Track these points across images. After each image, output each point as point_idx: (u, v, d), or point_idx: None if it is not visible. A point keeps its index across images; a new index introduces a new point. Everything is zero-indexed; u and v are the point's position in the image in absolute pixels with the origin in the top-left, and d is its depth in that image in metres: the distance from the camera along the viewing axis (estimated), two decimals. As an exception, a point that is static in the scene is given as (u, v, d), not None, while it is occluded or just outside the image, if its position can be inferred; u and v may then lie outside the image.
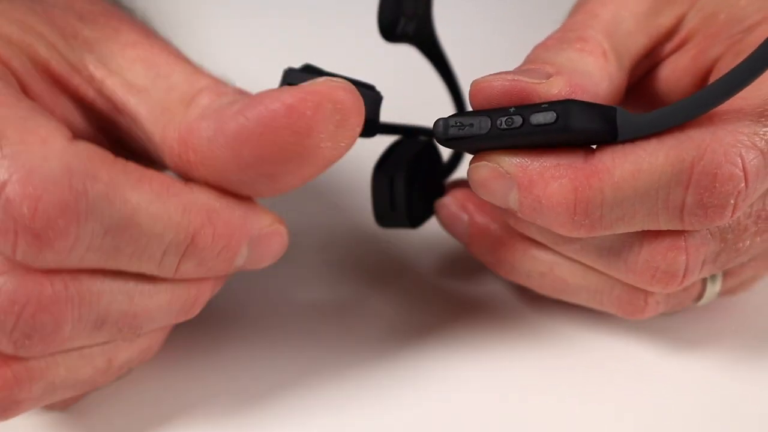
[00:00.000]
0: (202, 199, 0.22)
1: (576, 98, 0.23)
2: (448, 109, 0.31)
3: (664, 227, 0.23)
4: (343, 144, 0.22)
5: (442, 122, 0.24)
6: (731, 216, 0.23)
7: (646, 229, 0.24)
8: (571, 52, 0.25)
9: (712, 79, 0.25)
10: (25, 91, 0.23)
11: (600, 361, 0.28)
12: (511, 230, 0.27)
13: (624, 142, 0.23)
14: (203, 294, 0.24)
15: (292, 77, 0.25)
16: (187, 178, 0.23)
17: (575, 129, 0.22)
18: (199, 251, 0.22)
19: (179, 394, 0.27)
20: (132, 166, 0.21)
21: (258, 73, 0.30)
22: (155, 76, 0.24)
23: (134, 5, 0.29)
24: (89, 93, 0.24)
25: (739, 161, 0.22)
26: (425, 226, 0.30)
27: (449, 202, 0.29)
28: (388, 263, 0.33)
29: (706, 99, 0.22)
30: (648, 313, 0.26)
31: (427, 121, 0.26)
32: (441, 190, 0.30)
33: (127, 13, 0.27)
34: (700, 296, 0.27)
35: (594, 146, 0.23)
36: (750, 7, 0.26)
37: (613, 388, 0.28)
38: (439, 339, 0.29)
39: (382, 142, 0.29)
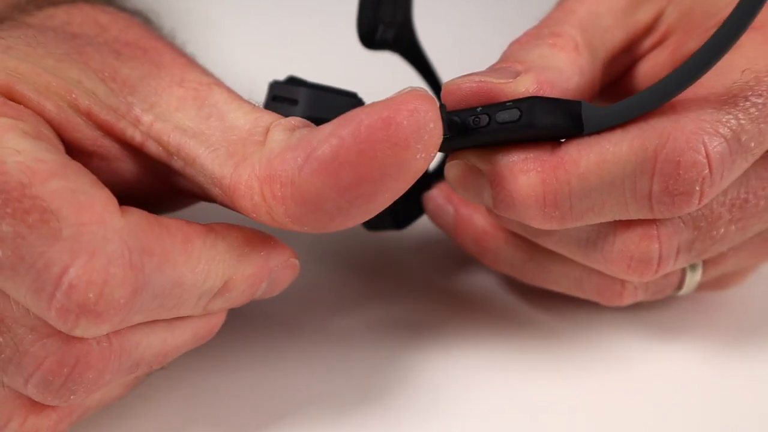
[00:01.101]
0: (234, 244, 0.23)
1: (543, 95, 0.23)
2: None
3: (635, 217, 0.24)
4: (432, 153, 0.21)
5: None
6: (699, 203, 0.23)
7: (617, 219, 0.24)
8: (543, 48, 0.25)
9: None
10: (67, 137, 0.23)
11: (591, 353, 0.29)
12: (494, 221, 0.28)
13: (590, 134, 0.23)
14: (221, 321, 0.25)
15: (278, 90, 0.26)
16: (270, 219, 0.22)
17: (539, 125, 0.23)
18: (228, 292, 0.23)
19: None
20: (174, 227, 0.22)
21: (256, 74, 0.30)
22: (208, 117, 0.23)
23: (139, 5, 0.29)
24: (137, 136, 0.24)
25: (702, 148, 0.22)
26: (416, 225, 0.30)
27: (436, 194, 0.30)
28: (378, 259, 0.33)
29: (667, 88, 0.22)
30: (626, 299, 0.27)
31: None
32: (423, 189, 0.30)
33: (162, 37, 0.27)
34: (680, 285, 0.28)
35: (562, 140, 0.24)
36: (722, 1, 0.26)
37: (603, 378, 0.28)
38: (430, 333, 0.30)
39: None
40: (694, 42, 0.26)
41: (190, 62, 0.25)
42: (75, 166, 0.21)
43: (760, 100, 0.23)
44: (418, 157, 0.21)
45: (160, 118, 0.23)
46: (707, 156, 0.22)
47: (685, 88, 0.22)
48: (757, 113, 0.23)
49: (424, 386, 0.28)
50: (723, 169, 0.22)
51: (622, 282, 0.27)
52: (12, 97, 0.22)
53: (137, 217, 0.21)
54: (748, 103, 0.23)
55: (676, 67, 0.22)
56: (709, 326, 0.30)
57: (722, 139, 0.22)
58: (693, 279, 0.27)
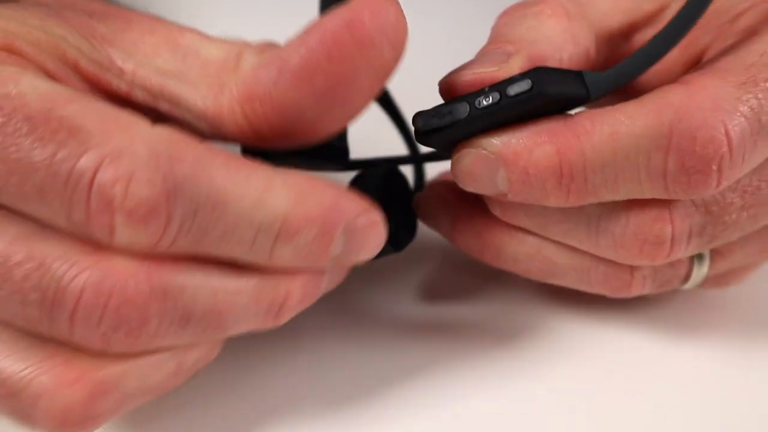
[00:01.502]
0: (291, 180, 0.22)
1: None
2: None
3: (649, 196, 0.23)
4: (400, 47, 0.22)
5: (421, 115, 0.24)
6: (717, 185, 0.22)
7: (632, 197, 0.24)
8: (529, 19, 0.25)
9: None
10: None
11: (595, 356, 0.29)
12: (495, 216, 0.27)
13: (598, 99, 0.23)
14: (292, 295, 0.23)
15: None
16: (258, 138, 0.23)
17: (551, 92, 0.22)
18: (292, 234, 0.22)
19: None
20: (218, 150, 0.21)
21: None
22: (185, 56, 0.24)
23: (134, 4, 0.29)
24: (122, 87, 0.24)
25: (721, 125, 0.21)
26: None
27: (429, 195, 0.29)
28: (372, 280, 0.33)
29: (662, 42, 0.23)
30: (635, 289, 0.27)
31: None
32: (413, 211, 0.30)
33: (128, 8, 0.27)
34: (687, 277, 0.27)
35: (572, 113, 0.24)
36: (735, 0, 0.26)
37: (603, 378, 0.28)
38: (432, 332, 0.30)
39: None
40: (707, 37, 0.26)
41: (158, 18, 0.26)
42: (92, 97, 0.22)
43: None
44: (385, 53, 0.22)
45: (140, 65, 0.24)
46: (726, 134, 0.21)
47: (681, 40, 0.22)
48: None
49: (427, 383, 0.27)
50: (744, 150, 0.22)
51: (631, 271, 0.26)
52: (13, 53, 0.22)
53: (170, 129, 0.21)
54: (767, 83, 0.22)
55: (669, 22, 0.22)
56: (710, 326, 0.30)
57: (742, 118, 0.22)
58: (700, 271, 0.27)
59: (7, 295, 0.21)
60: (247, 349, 0.29)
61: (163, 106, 0.24)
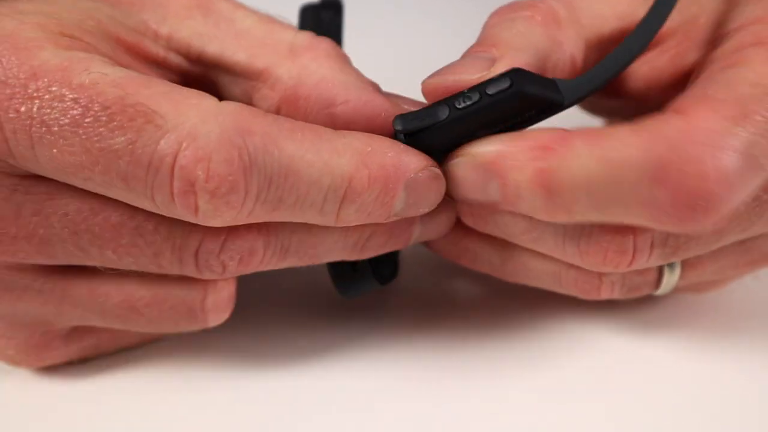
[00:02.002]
0: (354, 143, 0.23)
1: None
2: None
3: (637, 223, 0.23)
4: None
5: (400, 117, 0.24)
6: (708, 221, 0.22)
7: (618, 221, 0.24)
8: (519, 24, 0.25)
9: (690, 84, 0.25)
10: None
11: (568, 350, 0.29)
12: (471, 224, 0.28)
13: (572, 105, 0.24)
14: (378, 235, 0.26)
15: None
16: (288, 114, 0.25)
17: (529, 91, 0.23)
18: (358, 195, 0.23)
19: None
20: (282, 119, 0.23)
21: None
22: (217, 21, 0.25)
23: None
24: (160, 53, 0.25)
25: (715, 161, 0.21)
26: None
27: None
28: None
29: (631, 47, 0.23)
30: (604, 293, 0.27)
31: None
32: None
33: None
34: (657, 284, 0.28)
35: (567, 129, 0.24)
36: (731, 12, 0.26)
37: (580, 375, 0.28)
38: (412, 335, 0.30)
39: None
40: (695, 52, 0.26)
41: None
42: (156, 78, 0.23)
43: None
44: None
45: (175, 29, 0.25)
46: (720, 169, 0.21)
47: (649, 42, 0.23)
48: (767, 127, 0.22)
49: (408, 386, 0.28)
50: (736, 185, 0.21)
51: (600, 276, 0.27)
52: (74, 39, 0.23)
53: (236, 104, 0.22)
54: (758, 117, 0.22)
55: (636, 26, 0.23)
56: (688, 324, 0.30)
57: (736, 153, 0.21)
58: (671, 279, 0.27)
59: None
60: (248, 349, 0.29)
61: (196, 70, 0.26)
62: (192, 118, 0.21)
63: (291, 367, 0.28)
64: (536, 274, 0.28)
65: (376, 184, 0.23)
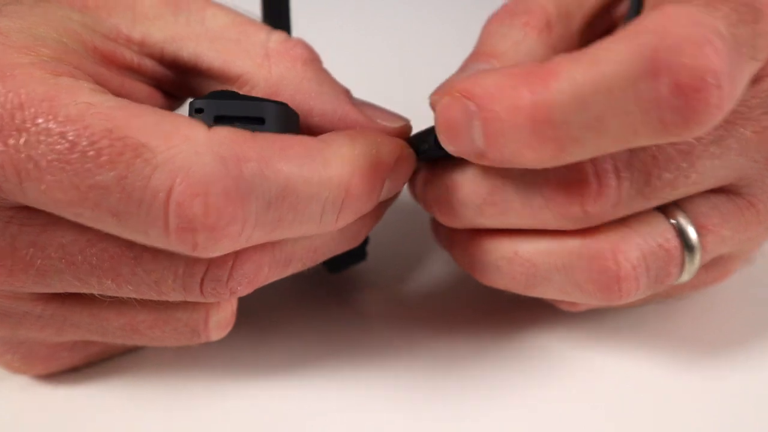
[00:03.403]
0: (341, 149, 0.23)
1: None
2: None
3: (643, 134, 0.21)
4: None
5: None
6: (719, 103, 0.19)
7: (621, 142, 0.21)
8: (516, 32, 0.26)
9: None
10: (101, 86, 0.23)
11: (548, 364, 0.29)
12: (469, 230, 0.27)
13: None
14: (366, 226, 0.27)
15: (216, 108, 0.24)
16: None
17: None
18: (355, 199, 0.23)
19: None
20: (270, 137, 0.22)
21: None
22: (188, 19, 0.25)
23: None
24: (135, 59, 0.25)
25: (708, 37, 0.19)
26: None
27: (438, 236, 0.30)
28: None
29: None
30: (625, 280, 0.25)
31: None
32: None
33: None
34: (681, 263, 0.26)
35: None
36: None
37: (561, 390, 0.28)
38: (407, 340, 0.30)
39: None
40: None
41: None
42: (145, 105, 0.22)
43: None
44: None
45: (146, 33, 0.25)
46: (715, 46, 0.19)
47: None
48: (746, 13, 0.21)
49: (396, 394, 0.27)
50: (734, 63, 0.20)
51: (615, 255, 0.24)
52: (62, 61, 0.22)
53: (225, 130, 0.22)
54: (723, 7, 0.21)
55: None
56: (666, 336, 0.30)
57: (722, 32, 0.20)
58: (692, 263, 0.26)
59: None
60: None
61: (172, 74, 0.26)
62: (184, 151, 0.20)
63: (286, 375, 0.28)
64: (545, 274, 0.26)
65: (368, 185, 0.23)
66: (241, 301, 0.26)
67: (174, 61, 0.26)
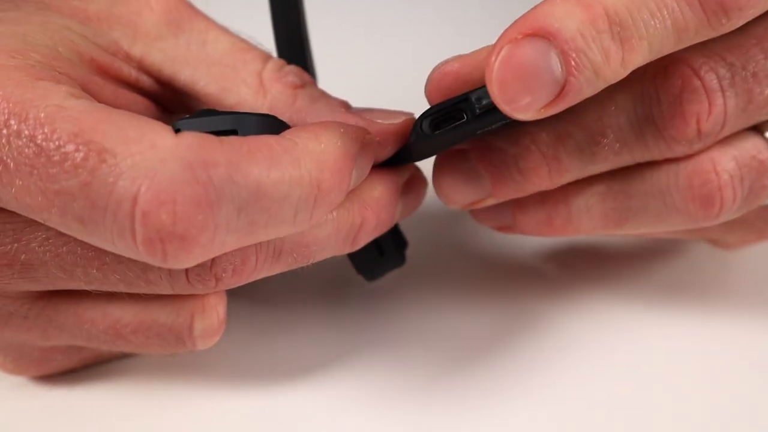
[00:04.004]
0: (308, 145, 0.23)
1: None
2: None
3: (692, 29, 0.22)
4: None
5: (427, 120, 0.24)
6: None
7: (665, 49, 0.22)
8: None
9: None
10: (90, 93, 0.23)
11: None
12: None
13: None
14: (368, 222, 0.26)
15: (206, 125, 0.24)
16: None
17: None
18: (326, 194, 0.23)
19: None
20: (237, 140, 0.21)
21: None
22: (188, 43, 0.25)
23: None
24: (132, 74, 0.25)
25: None
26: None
27: (489, 213, 0.29)
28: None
29: None
30: (725, 188, 0.25)
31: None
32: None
33: None
34: None
35: None
36: None
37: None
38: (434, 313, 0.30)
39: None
40: None
41: None
42: (117, 109, 0.21)
43: None
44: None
45: (145, 52, 0.25)
46: None
47: None
48: None
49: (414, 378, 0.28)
50: None
51: (713, 165, 0.25)
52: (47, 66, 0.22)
53: (193, 135, 0.21)
54: None
55: None
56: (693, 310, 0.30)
57: None
58: None
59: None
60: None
61: (168, 93, 0.26)
62: (149, 158, 0.20)
63: (284, 376, 0.28)
64: (641, 202, 0.26)
65: (337, 177, 0.23)
66: (234, 304, 0.26)
67: (171, 83, 0.26)
